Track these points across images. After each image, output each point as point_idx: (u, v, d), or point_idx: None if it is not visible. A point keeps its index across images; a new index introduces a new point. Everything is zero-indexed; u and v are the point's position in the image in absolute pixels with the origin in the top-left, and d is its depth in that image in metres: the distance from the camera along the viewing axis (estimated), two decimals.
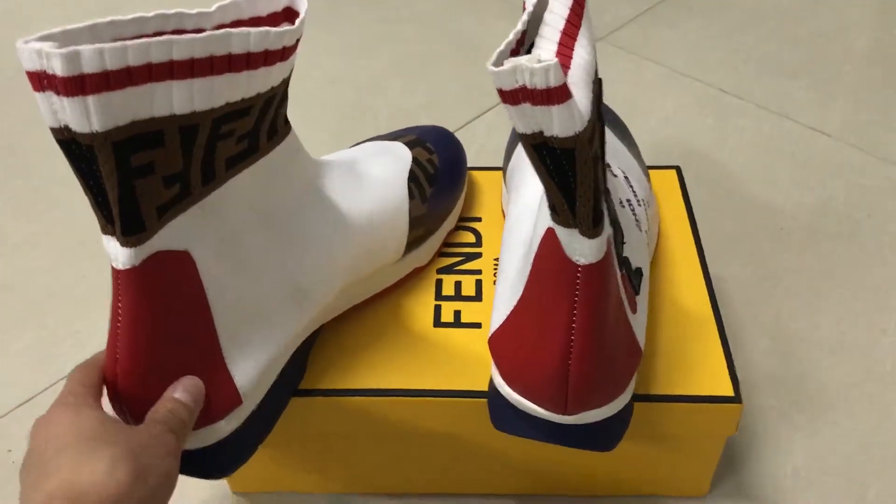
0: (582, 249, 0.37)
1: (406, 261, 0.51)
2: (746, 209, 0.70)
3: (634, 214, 0.47)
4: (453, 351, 0.48)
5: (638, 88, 0.84)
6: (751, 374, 0.58)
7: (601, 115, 0.38)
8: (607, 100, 0.82)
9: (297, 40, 0.37)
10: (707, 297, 0.50)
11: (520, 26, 0.36)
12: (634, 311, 0.43)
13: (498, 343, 0.42)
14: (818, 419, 0.55)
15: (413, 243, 0.50)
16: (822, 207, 0.70)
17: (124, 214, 0.34)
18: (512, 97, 0.33)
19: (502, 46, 0.34)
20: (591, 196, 0.35)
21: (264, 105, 0.38)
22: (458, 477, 0.52)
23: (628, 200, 0.47)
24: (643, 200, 0.50)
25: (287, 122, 0.42)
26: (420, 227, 0.50)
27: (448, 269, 0.53)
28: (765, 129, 0.79)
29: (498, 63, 0.33)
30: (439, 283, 0.52)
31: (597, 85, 0.37)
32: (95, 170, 0.32)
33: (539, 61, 0.31)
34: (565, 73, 0.35)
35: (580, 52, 0.37)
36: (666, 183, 0.58)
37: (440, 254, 0.53)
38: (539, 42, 0.37)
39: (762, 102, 0.82)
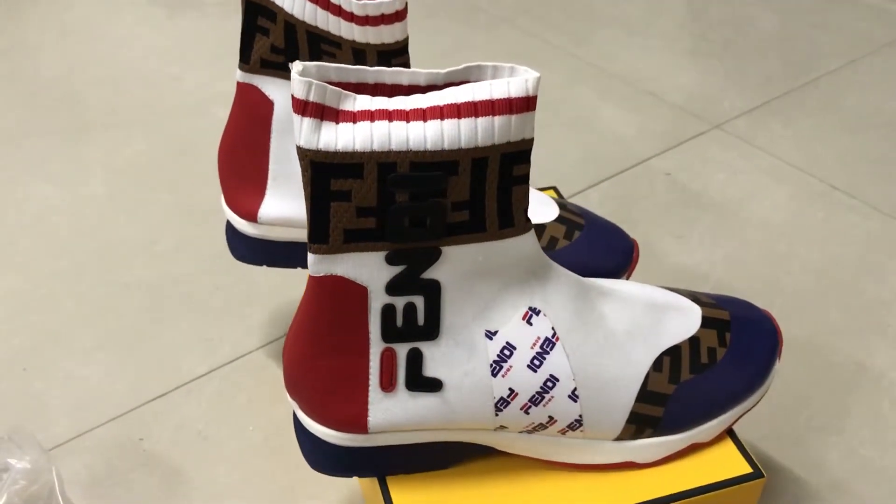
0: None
1: None
2: (852, 302, 0.72)
3: (501, 363, 0.43)
4: None
5: (750, 176, 0.87)
6: (852, 465, 0.59)
7: (420, 194, 0.39)
8: (717, 187, 0.85)
9: (368, 17, 0.46)
10: None
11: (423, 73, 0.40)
12: (387, 389, 0.42)
13: None
14: None
15: None
16: None
17: (242, 42, 0.51)
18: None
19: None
20: (309, 212, 0.39)
21: (355, 53, 0.49)
22: None
23: (510, 345, 0.43)
24: (556, 378, 0.43)
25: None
26: None
27: None
28: (875, 227, 0.80)
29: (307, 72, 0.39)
30: None
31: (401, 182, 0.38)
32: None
33: (296, 70, 0.38)
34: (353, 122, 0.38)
35: (416, 130, 0.38)
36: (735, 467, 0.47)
37: None
38: (401, 97, 0.39)
39: (873, 202, 0.83)
